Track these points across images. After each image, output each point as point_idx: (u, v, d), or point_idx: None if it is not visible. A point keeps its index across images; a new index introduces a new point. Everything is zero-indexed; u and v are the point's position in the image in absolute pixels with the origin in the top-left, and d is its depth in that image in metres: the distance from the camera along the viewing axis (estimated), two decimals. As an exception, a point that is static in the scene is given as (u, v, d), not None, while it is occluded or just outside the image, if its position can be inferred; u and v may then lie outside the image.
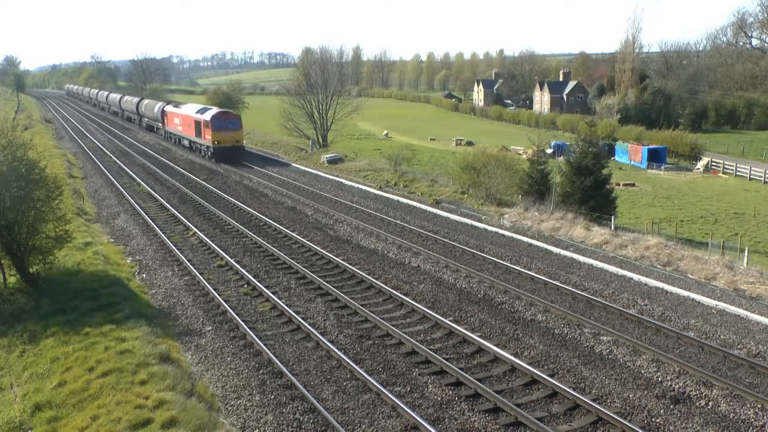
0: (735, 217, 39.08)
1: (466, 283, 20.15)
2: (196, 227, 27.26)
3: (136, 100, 76.63)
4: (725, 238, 30.14)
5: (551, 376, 14.03)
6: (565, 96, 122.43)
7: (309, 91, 58.92)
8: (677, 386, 13.59)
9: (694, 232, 34.26)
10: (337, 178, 40.57)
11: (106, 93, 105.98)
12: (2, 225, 18.77)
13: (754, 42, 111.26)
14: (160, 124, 62.96)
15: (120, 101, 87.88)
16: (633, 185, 52.29)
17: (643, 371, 14.28)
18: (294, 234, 26.01)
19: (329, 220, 28.69)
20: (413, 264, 22.34)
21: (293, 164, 47.74)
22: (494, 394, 13.11)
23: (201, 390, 13.54)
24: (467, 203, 32.94)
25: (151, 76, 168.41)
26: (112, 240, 26.45)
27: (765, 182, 56.86)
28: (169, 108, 60.21)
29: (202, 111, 50.28)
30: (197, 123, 49.67)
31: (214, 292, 19.30)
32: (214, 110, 49.65)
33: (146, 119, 69.40)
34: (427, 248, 24.02)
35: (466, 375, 13.88)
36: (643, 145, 69.66)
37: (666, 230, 30.82)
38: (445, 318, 17.20)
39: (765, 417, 12.45)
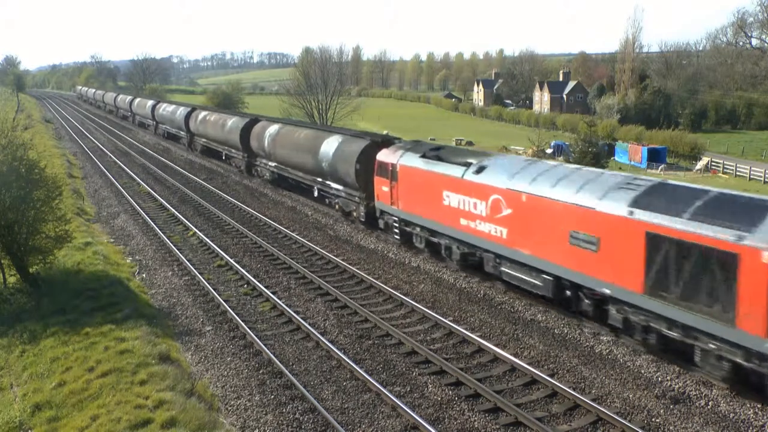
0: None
1: (466, 283, 20.14)
2: (195, 227, 27.26)
3: (230, 120, 41.59)
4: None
5: (551, 376, 14.03)
6: (565, 96, 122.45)
7: (309, 91, 59.04)
8: (677, 386, 13.58)
9: (693, 232, 34.25)
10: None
11: (151, 102, 66.91)
12: (2, 225, 18.77)
13: (754, 42, 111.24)
14: (355, 198, 26.22)
15: (188, 119, 49.87)
16: (633, 185, 52.26)
17: (643, 371, 14.27)
18: (294, 234, 26.01)
19: (329, 220, 28.67)
20: (413, 264, 22.32)
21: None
22: (494, 394, 13.11)
23: (201, 390, 13.55)
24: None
25: (151, 76, 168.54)
26: (112, 240, 26.46)
27: (765, 182, 56.86)
28: (412, 161, 21.77)
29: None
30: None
31: (213, 292, 19.30)
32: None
33: (272, 164, 35.75)
34: (427, 248, 23.94)
35: (466, 375, 13.88)
36: (642, 145, 69.66)
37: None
38: (445, 318, 17.20)
39: (765, 417, 12.44)
